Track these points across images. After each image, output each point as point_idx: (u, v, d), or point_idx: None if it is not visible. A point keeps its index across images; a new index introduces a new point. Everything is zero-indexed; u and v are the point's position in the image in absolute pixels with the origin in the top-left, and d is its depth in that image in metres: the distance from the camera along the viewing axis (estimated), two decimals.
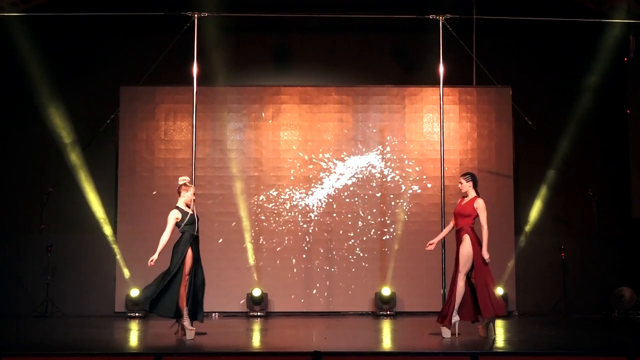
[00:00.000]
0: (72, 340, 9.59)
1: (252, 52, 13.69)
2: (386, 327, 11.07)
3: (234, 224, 13.20)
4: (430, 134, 13.51)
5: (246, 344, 9.05)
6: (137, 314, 12.70)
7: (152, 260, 9.26)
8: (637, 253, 13.16)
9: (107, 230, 13.11)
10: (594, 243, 12.95)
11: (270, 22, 13.27)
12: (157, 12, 11.57)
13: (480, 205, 9.49)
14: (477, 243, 9.48)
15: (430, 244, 9.73)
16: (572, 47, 13.55)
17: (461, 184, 9.62)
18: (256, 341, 9.38)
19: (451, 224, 9.72)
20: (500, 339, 9.98)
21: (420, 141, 13.52)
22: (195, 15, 10.77)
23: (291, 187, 13.42)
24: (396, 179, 13.48)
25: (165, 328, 11.19)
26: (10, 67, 13.02)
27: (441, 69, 10.80)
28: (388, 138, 13.55)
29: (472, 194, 9.59)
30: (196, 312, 9.48)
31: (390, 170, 13.51)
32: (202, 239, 12.81)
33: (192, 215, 9.54)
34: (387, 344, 9.29)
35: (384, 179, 13.50)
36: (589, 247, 12.83)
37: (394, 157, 13.52)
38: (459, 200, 9.76)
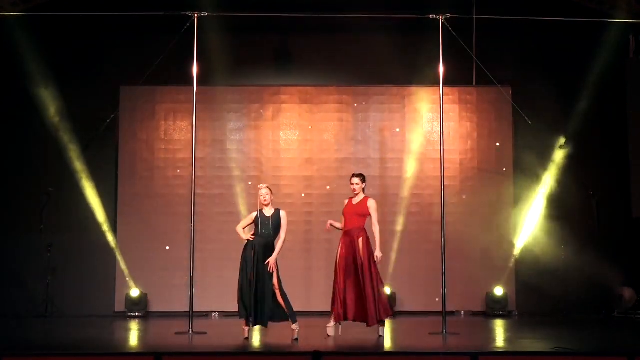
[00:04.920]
0: (72, 340, 9.60)
1: (252, 52, 13.68)
2: (386, 326, 11.05)
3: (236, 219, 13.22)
4: (430, 134, 13.50)
5: (246, 344, 9.05)
6: (137, 314, 12.70)
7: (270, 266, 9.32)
8: (637, 253, 13.15)
9: (107, 229, 13.12)
10: (594, 243, 12.93)
11: (270, 22, 13.26)
12: (157, 12, 11.56)
13: (373, 205, 9.67)
14: (368, 245, 9.55)
15: (329, 224, 9.84)
16: (572, 47, 13.53)
17: (357, 184, 9.72)
18: (256, 341, 9.38)
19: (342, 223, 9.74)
20: (500, 339, 9.98)
21: (420, 141, 13.52)
22: (195, 15, 10.75)
23: (291, 186, 13.42)
24: (396, 178, 13.47)
25: (165, 328, 11.19)
26: (10, 67, 13.01)
27: (441, 69, 10.78)
28: (388, 138, 13.56)
29: (362, 194, 9.73)
30: (262, 315, 9.24)
31: (390, 170, 13.50)
32: (202, 239, 12.84)
33: (257, 217, 9.45)
34: (387, 343, 9.28)
35: (383, 179, 13.49)
36: (589, 247, 12.81)
37: (394, 157, 13.51)
38: (347, 200, 9.79)
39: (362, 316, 9.48)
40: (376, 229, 9.60)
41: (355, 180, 9.78)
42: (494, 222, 13.37)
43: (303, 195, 13.42)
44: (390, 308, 9.77)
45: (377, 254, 9.51)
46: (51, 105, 12.95)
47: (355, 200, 9.74)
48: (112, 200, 13.30)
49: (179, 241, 13.13)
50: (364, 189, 9.83)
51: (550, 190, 13.22)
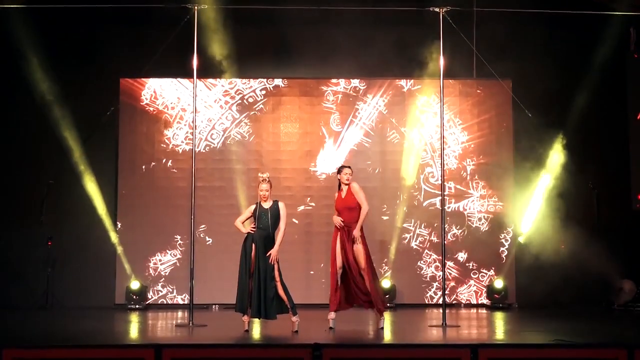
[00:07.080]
0: (73, 332, 9.61)
1: (252, 44, 13.64)
2: (386, 319, 11.07)
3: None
4: (431, 126, 13.49)
5: (246, 336, 9.06)
6: (137, 306, 12.72)
7: (272, 259, 9.32)
8: (637, 245, 13.16)
9: (107, 222, 13.12)
10: (594, 235, 12.93)
11: (270, 14, 13.23)
12: (157, 4, 11.55)
13: (356, 187, 9.64)
14: (364, 239, 9.62)
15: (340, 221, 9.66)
16: (573, 40, 13.51)
17: (350, 174, 9.66)
18: (256, 333, 9.39)
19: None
20: (500, 331, 10.00)
21: (420, 133, 13.50)
22: (195, 7, 10.75)
23: (291, 179, 13.42)
24: (396, 171, 13.46)
25: (165, 320, 11.21)
26: (9, 59, 12.99)
27: (442, 62, 10.77)
28: (388, 130, 13.55)
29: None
30: (265, 308, 9.28)
31: (391, 162, 13.49)
32: (202, 231, 12.85)
33: (255, 210, 9.47)
34: (387, 336, 9.30)
35: (384, 172, 13.48)
36: (589, 239, 12.80)
37: (395, 150, 13.50)
38: (337, 194, 9.76)
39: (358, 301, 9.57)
40: (364, 208, 9.58)
41: (347, 170, 9.71)
42: (494, 215, 13.36)
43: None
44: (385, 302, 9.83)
45: (356, 231, 9.52)
46: (51, 98, 12.91)
47: (344, 193, 9.69)
48: (112, 193, 13.30)
49: (179, 233, 13.14)
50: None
51: (551, 183, 13.21)
